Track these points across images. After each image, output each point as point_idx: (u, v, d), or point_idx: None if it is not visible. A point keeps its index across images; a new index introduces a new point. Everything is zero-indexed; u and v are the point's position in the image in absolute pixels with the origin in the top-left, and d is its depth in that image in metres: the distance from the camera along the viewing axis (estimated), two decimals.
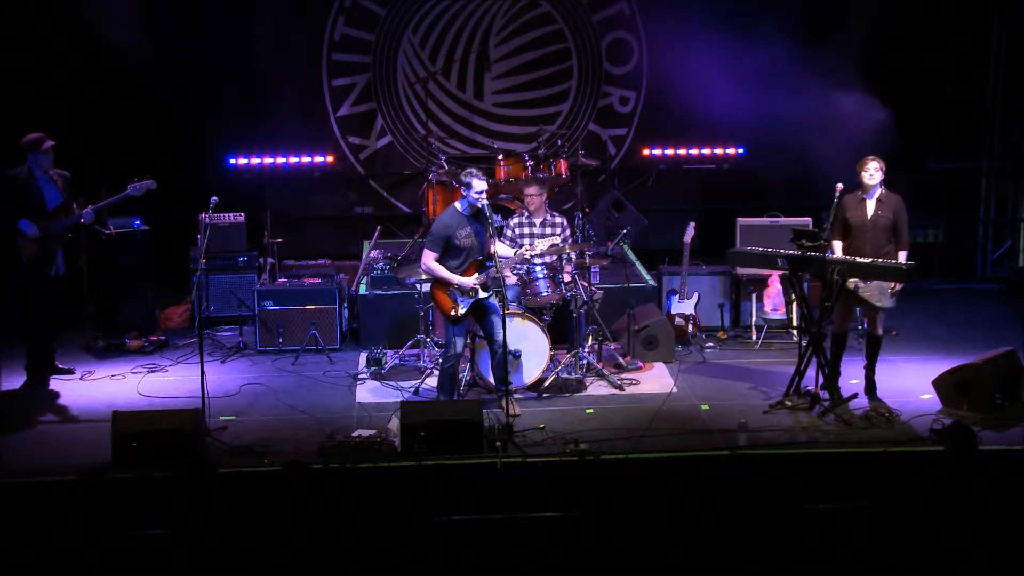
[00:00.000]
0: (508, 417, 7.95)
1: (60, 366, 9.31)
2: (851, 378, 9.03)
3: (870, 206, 8.55)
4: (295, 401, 8.80)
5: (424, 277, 9.15)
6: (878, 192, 8.54)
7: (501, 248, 8.45)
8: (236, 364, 9.80)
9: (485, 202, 8.19)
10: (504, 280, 8.10)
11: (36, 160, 8.83)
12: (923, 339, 10.23)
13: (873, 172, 8.50)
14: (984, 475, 6.15)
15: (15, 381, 9.07)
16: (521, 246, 9.24)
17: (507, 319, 8.09)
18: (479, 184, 8.16)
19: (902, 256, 8.54)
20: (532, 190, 9.48)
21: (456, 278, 8.24)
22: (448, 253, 8.25)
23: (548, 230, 9.49)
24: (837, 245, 8.68)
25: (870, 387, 8.83)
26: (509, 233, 9.44)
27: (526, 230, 9.46)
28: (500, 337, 8.11)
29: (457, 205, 8.31)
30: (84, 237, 10.48)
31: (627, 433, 7.97)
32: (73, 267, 9.30)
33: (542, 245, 8.62)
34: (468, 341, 8.64)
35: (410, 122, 12.36)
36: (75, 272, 9.89)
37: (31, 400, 8.84)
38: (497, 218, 9.21)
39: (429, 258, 8.26)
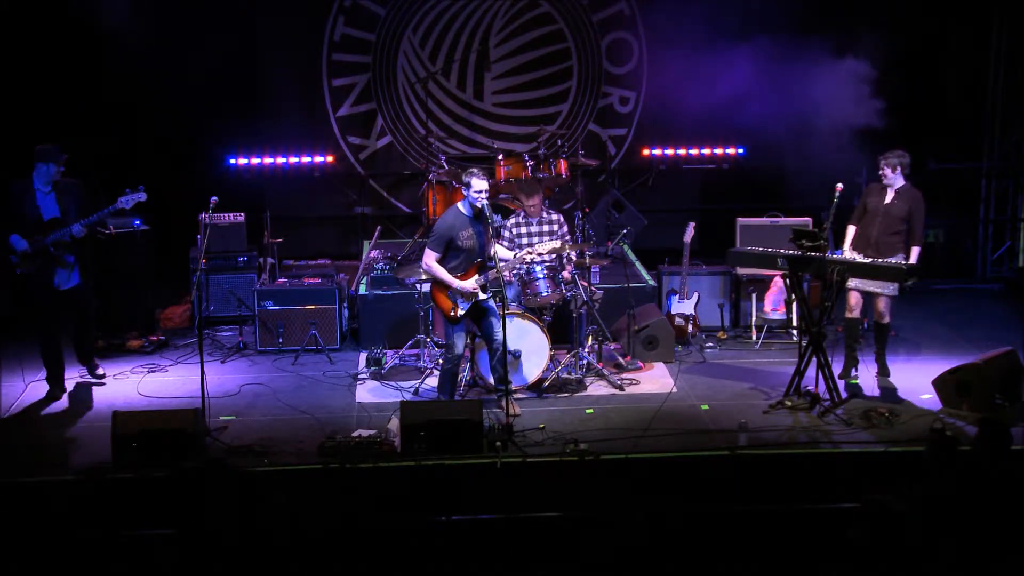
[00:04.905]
0: (508, 417, 7.95)
1: (97, 373, 9.20)
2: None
3: (888, 195, 8.86)
4: (295, 401, 8.80)
5: (424, 277, 9.14)
6: (899, 185, 8.85)
7: (500, 251, 8.43)
8: (236, 364, 9.80)
9: (485, 202, 8.18)
10: (503, 281, 8.09)
11: (47, 171, 8.60)
12: (923, 339, 10.24)
13: (879, 172, 8.87)
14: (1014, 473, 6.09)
15: (15, 381, 9.06)
16: (519, 246, 9.25)
17: (507, 319, 8.09)
18: (478, 183, 8.13)
19: (915, 252, 8.75)
20: (533, 201, 9.46)
21: (456, 282, 8.20)
22: (449, 254, 8.22)
23: (545, 227, 9.49)
24: (851, 230, 8.96)
25: (883, 370, 9.03)
26: (507, 233, 9.42)
27: (523, 229, 9.46)
28: (499, 337, 8.11)
29: (460, 205, 8.29)
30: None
31: (627, 433, 7.97)
32: (90, 275, 8.94)
33: (542, 249, 8.58)
34: (468, 341, 8.64)
35: (410, 122, 12.36)
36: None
37: (32, 400, 8.82)
38: (497, 218, 9.22)
39: (430, 258, 8.22)
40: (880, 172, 8.87)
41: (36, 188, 8.65)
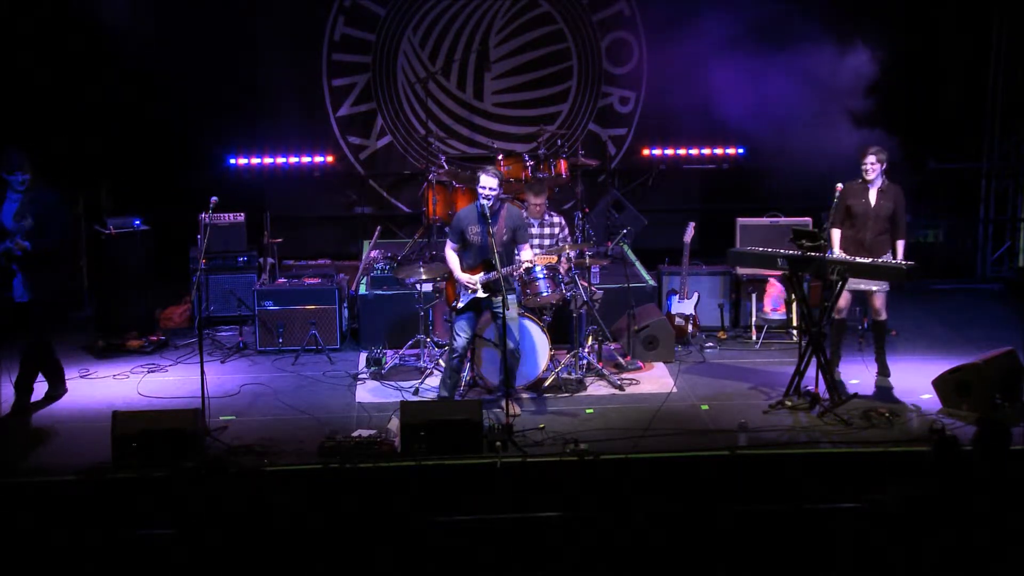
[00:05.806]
0: (508, 417, 7.95)
1: (15, 405, 8.58)
2: (851, 378, 9.06)
3: (872, 195, 8.81)
4: (295, 401, 8.80)
5: (424, 277, 9.21)
6: (880, 183, 8.81)
7: (527, 254, 8.42)
8: (236, 364, 9.80)
9: (486, 202, 8.18)
10: (504, 283, 8.07)
11: (9, 179, 8.36)
12: (923, 339, 10.23)
13: (869, 166, 8.79)
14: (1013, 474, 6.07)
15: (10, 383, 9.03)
16: None
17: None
18: (485, 180, 8.17)
19: (900, 245, 8.78)
20: (539, 200, 9.47)
21: (458, 272, 8.36)
22: (464, 247, 8.41)
23: (547, 230, 9.51)
24: (836, 233, 8.90)
25: (883, 370, 9.05)
26: None
27: None
28: (509, 344, 8.14)
29: (477, 202, 8.36)
30: (81, 238, 10.44)
31: (627, 433, 7.97)
32: (45, 293, 8.46)
33: (541, 260, 8.56)
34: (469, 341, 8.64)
35: (410, 122, 12.36)
36: (74, 278, 9.26)
37: (31, 400, 8.79)
38: (535, 222, 9.44)
39: (447, 247, 8.50)
40: (868, 166, 8.75)
41: (8, 195, 8.44)
